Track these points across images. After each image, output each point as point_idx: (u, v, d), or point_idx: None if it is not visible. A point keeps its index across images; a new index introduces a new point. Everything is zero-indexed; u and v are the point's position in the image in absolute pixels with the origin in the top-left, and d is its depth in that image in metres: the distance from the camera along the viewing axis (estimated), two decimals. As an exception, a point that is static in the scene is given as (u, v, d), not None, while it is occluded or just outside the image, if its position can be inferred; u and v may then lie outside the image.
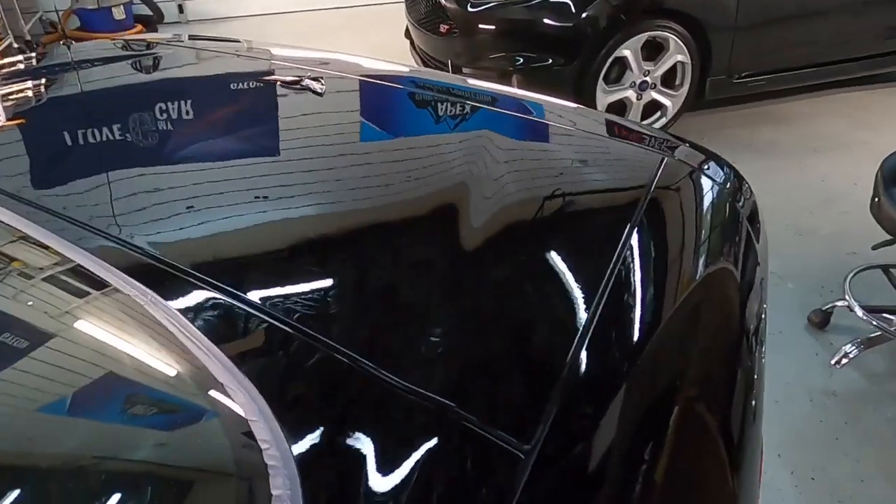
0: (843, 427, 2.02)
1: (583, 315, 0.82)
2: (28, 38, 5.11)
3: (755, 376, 0.86)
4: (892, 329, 2.22)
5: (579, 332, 0.79)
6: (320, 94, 1.38)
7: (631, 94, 3.48)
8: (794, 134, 3.85)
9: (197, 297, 0.80)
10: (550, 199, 1.08)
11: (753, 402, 0.82)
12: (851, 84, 4.27)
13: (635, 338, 0.83)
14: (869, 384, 2.18)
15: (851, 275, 2.47)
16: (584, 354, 0.76)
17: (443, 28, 3.59)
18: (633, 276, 0.92)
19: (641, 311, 0.88)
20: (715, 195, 1.20)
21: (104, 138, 1.27)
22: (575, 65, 3.34)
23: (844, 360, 2.22)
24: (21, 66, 1.98)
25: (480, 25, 3.43)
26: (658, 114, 3.62)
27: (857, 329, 2.35)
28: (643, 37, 3.34)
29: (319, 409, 0.68)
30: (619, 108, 3.52)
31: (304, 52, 1.92)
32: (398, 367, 0.72)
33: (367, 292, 0.86)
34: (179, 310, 0.77)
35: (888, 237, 2.06)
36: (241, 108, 1.44)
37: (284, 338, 0.75)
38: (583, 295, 0.86)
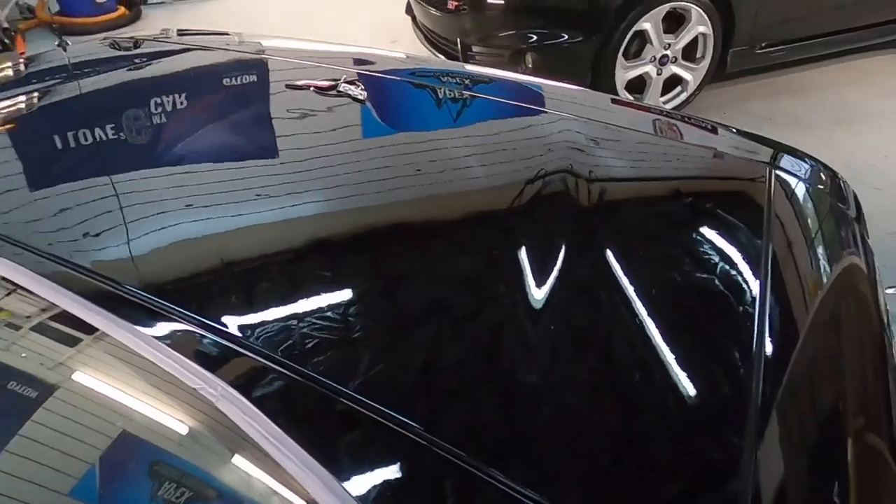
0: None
1: (748, 354, 0.70)
2: (5, 25, 4.84)
3: None
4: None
5: (754, 374, 0.67)
6: (363, 102, 1.22)
7: (651, 68, 3.31)
8: (816, 105, 3.71)
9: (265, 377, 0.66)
10: (666, 224, 0.96)
11: None
12: (869, 50, 4.11)
13: (804, 362, 0.72)
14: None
15: (901, 259, 2.36)
16: (763, 395, 0.65)
17: (451, 4, 3.39)
18: (784, 297, 0.81)
19: (804, 336, 0.77)
20: (821, 198, 1.09)
21: (101, 155, 1.13)
22: (593, 41, 3.16)
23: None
24: (10, 72, 1.81)
25: (492, 1, 3.24)
26: (678, 88, 3.46)
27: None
28: (664, 8, 3.16)
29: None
30: (639, 83, 3.36)
31: (300, 44, 1.75)
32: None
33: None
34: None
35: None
36: (249, 110, 1.30)
37: (391, 437, 0.61)
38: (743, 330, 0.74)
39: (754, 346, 0.72)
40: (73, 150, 1.17)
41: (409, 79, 1.49)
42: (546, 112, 1.33)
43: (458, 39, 3.45)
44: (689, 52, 3.36)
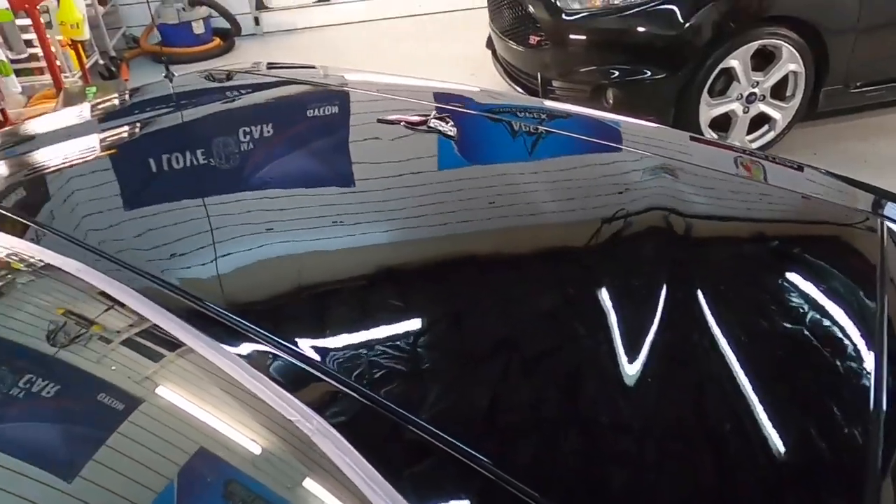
0: None
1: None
2: (113, 53, 5.20)
3: None
4: None
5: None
6: (453, 138, 1.24)
7: (737, 106, 3.22)
8: (918, 148, 3.51)
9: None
10: (761, 271, 0.92)
11: None
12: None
13: None
14: None
15: None
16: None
17: (532, 39, 3.42)
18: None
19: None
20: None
21: (195, 180, 1.20)
22: (677, 77, 3.11)
23: None
24: (117, 101, 1.93)
25: (574, 36, 3.24)
26: (766, 127, 3.35)
27: None
28: (753, 45, 3.08)
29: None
30: (724, 121, 3.27)
31: (381, 78, 1.80)
32: None
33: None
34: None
35: None
36: (331, 141, 1.35)
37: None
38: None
39: (871, 407, 0.67)
40: (169, 174, 1.24)
41: (487, 113, 1.50)
42: (625, 149, 1.32)
43: (539, 74, 3.46)
44: (779, 90, 3.26)
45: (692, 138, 1.49)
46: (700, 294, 0.88)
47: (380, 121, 1.32)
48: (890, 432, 0.65)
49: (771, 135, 3.36)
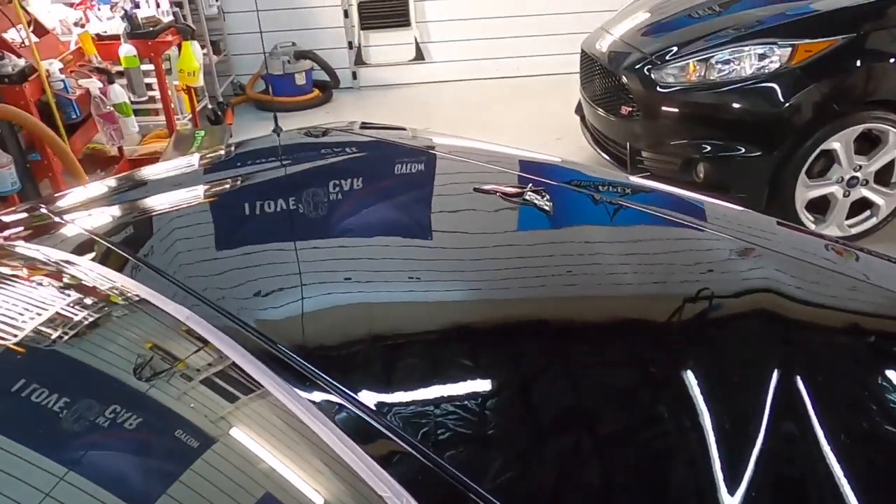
0: None
1: None
2: (220, 99, 5.57)
3: None
4: None
5: None
6: (548, 212, 1.25)
7: (837, 189, 3.10)
8: None
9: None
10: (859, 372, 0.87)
11: None
12: None
13: None
14: None
15: None
16: None
17: (624, 110, 3.43)
18: None
19: None
20: None
21: (285, 228, 1.27)
22: (773, 156, 3.03)
23: None
24: (222, 152, 2.06)
25: (667, 108, 3.23)
26: (868, 213, 3.19)
27: None
28: (857, 129, 2.98)
29: None
30: (822, 204, 3.15)
31: (464, 142, 1.85)
32: None
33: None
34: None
35: None
36: (413, 200, 1.39)
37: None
38: None
39: None
40: (264, 223, 1.32)
41: (569, 185, 1.51)
42: (709, 231, 1.30)
43: (628, 144, 3.45)
44: (884, 176, 3.11)
45: (779, 223, 1.44)
46: (790, 384, 0.85)
47: (476, 190, 1.34)
48: None
49: (873, 221, 3.20)
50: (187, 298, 0.98)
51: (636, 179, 1.79)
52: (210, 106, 5.29)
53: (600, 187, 1.51)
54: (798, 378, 0.86)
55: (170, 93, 4.41)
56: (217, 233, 1.33)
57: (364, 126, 2.11)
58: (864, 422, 0.86)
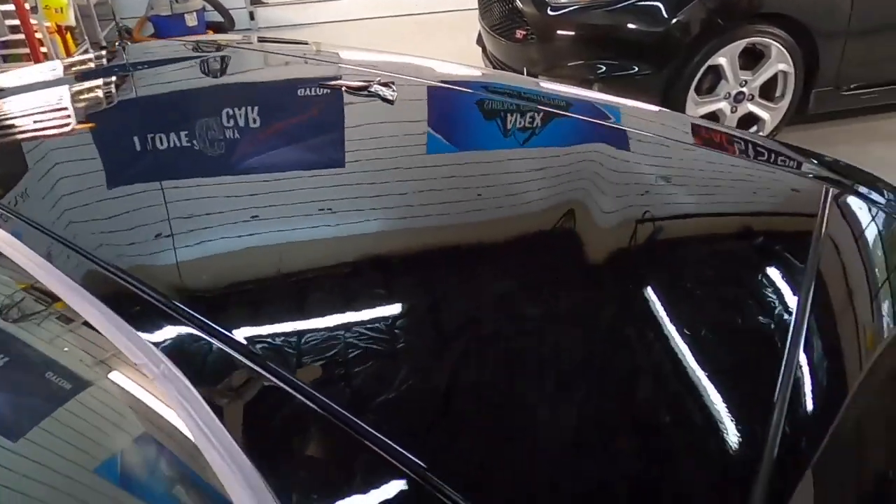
0: None
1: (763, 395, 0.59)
2: (104, 44, 5.18)
3: None
4: None
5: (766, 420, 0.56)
6: (391, 102, 1.18)
7: (725, 105, 3.17)
8: (910, 154, 3.44)
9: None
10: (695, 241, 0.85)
11: None
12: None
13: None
14: None
15: None
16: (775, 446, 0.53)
17: (519, 34, 3.37)
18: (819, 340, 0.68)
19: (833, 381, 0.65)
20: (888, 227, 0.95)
21: (164, 146, 1.11)
22: (663, 73, 3.06)
23: None
24: (92, 64, 1.88)
25: (560, 31, 3.19)
26: (754, 128, 3.28)
27: None
28: (741, 44, 3.03)
29: None
30: (711, 120, 3.21)
31: (373, 56, 1.74)
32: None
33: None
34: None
35: None
36: (308, 116, 1.27)
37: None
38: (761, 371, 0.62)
39: (776, 397, 0.60)
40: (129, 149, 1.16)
41: (476, 91, 1.44)
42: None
43: (524, 69, 3.41)
44: (768, 90, 3.20)
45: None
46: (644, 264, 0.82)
47: (321, 85, 1.26)
48: (791, 428, 0.58)
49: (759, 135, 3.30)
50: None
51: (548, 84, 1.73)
52: (92, 52, 4.91)
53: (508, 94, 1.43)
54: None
55: (39, 35, 4.05)
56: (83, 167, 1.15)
57: (262, 40, 1.97)
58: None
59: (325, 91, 1.25)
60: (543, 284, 0.77)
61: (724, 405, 0.59)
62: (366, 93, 1.21)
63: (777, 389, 0.60)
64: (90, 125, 1.23)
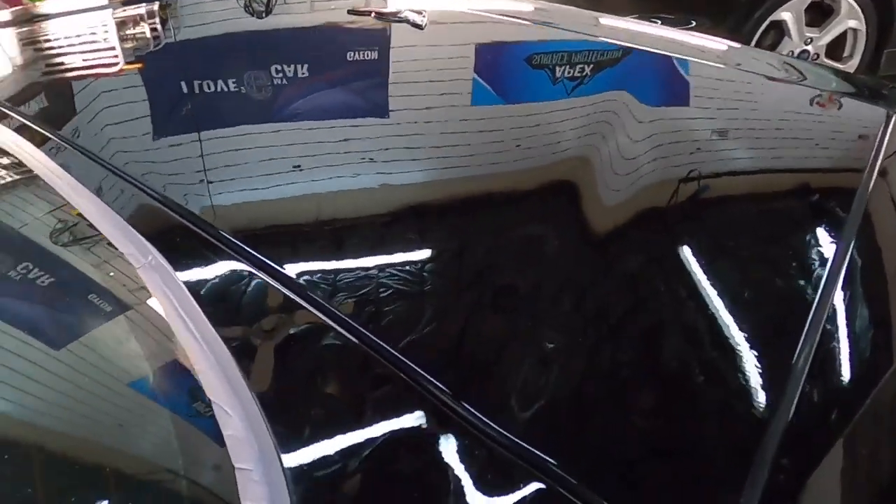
0: None
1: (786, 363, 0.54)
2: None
3: None
4: None
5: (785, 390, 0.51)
6: (421, 27, 1.15)
7: (787, 64, 3.00)
8: None
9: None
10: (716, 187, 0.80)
11: None
12: None
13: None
14: None
15: None
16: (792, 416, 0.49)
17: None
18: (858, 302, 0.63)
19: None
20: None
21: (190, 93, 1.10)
22: (722, 29, 2.91)
23: None
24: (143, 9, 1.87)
25: (616, -18, 3.07)
26: (817, 90, 3.11)
27: None
28: (808, -2, 2.86)
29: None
30: (771, 80, 3.06)
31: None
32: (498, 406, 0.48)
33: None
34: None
35: None
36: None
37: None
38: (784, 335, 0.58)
39: (804, 359, 0.54)
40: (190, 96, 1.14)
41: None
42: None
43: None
44: (835, 49, 3.01)
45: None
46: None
47: (350, 12, 1.23)
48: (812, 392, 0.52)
49: (823, 98, 3.13)
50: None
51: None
52: None
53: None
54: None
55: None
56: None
57: None
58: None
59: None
60: (582, 234, 0.73)
61: (753, 362, 0.54)
62: (395, 18, 1.18)
63: (804, 352, 0.55)
64: (138, 65, 1.23)
